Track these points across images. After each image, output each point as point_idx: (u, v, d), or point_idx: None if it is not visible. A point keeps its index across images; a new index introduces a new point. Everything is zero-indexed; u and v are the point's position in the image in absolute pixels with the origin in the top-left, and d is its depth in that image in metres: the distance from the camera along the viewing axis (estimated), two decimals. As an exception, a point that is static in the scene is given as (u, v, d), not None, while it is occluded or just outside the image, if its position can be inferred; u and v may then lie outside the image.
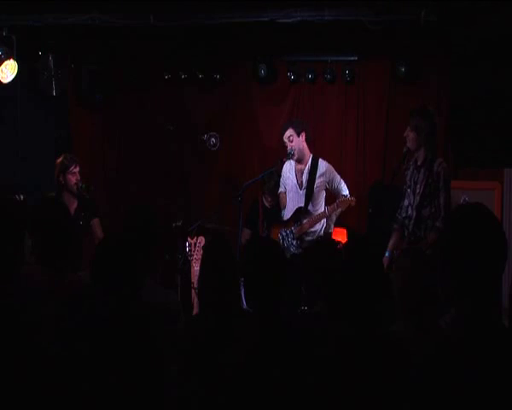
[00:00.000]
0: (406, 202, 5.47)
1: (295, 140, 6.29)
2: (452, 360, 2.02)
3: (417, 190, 5.35)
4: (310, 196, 6.30)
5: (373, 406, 2.48)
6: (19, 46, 6.61)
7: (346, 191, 6.32)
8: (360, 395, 2.48)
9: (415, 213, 5.35)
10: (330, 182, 6.34)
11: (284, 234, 6.29)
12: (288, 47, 7.25)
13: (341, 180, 6.39)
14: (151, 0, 6.37)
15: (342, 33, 6.78)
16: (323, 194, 6.39)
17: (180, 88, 7.64)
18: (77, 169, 6.00)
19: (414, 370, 2.15)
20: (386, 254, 5.42)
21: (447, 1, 6.04)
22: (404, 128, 5.55)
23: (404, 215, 5.47)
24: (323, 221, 6.32)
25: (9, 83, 6.63)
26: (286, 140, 6.33)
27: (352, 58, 7.16)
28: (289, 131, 6.32)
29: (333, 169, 6.39)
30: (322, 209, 6.28)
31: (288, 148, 6.30)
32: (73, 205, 6.05)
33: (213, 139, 6.91)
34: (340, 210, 6.21)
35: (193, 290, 6.36)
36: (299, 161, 6.37)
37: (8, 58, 6.51)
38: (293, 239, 6.22)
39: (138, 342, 2.66)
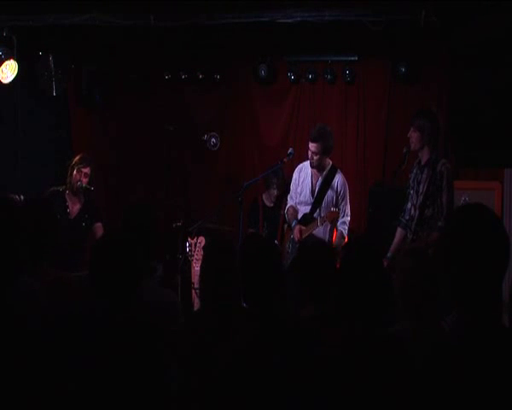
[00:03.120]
0: (409, 205, 5.46)
1: (318, 157, 6.02)
2: (453, 361, 2.01)
3: (420, 190, 5.34)
4: (318, 205, 6.12)
5: (373, 406, 2.48)
6: (19, 46, 6.61)
7: (346, 217, 6.09)
8: (360, 395, 2.48)
9: (417, 213, 5.34)
10: (338, 199, 6.11)
11: (291, 238, 6.22)
12: (288, 47, 7.25)
13: (348, 204, 6.15)
14: (151, 0, 6.37)
15: (342, 33, 6.77)
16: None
17: (180, 88, 7.65)
18: (85, 169, 6.07)
19: (414, 370, 2.15)
20: (388, 255, 5.40)
21: (447, 1, 6.04)
22: (404, 128, 5.57)
23: (407, 217, 5.46)
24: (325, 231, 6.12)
25: (9, 83, 6.63)
26: (310, 149, 6.01)
27: (352, 58, 7.16)
28: (316, 146, 5.98)
29: (347, 189, 6.14)
30: None
31: (291, 149, 6.24)
32: (76, 205, 6.10)
33: (213, 139, 6.92)
34: (326, 222, 5.95)
35: (193, 290, 6.36)
36: (318, 168, 6.13)
37: (8, 58, 6.51)
38: (296, 244, 6.15)
39: (138, 343, 2.66)
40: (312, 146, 6.01)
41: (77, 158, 6.14)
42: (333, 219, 5.90)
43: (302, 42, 7.07)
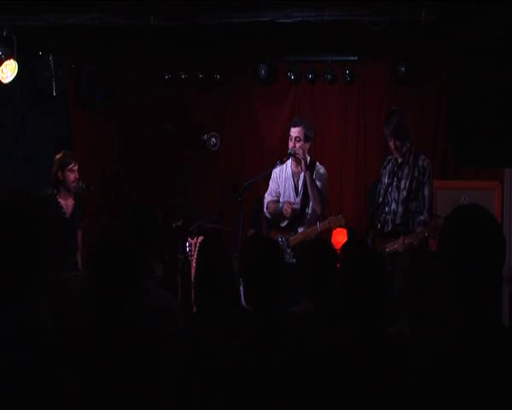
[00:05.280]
0: (380, 200, 5.55)
1: (301, 144, 6.04)
2: (453, 361, 2.01)
3: (402, 186, 5.46)
4: (306, 201, 6.11)
5: (374, 406, 2.48)
6: (19, 46, 6.61)
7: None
8: (360, 395, 2.48)
9: (401, 208, 5.45)
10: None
11: (280, 240, 6.15)
12: (288, 47, 7.26)
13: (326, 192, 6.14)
14: (151, 0, 6.37)
15: (342, 33, 6.78)
16: None
17: (180, 88, 7.65)
18: (76, 167, 6.01)
19: (414, 370, 2.15)
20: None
21: (447, 1, 6.04)
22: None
23: (383, 211, 5.56)
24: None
25: (9, 83, 6.63)
26: (292, 135, 6.04)
27: (352, 58, 7.18)
28: (299, 131, 6.02)
29: (326, 178, 6.15)
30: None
31: (290, 147, 6.20)
32: (70, 203, 6.07)
33: (213, 139, 6.90)
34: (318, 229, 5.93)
35: (193, 290, 6.35)
36: (299, 162, 6.13)
37: (8, 58, 6.51)
38: (288, 247, 6.10)
39: (137, 343, 2.66)
40: (295, 131, 6.03)
41: (63, 158, 5.97)
42: (339, 226, 5.95)
43: (302, 42, 7.08)
